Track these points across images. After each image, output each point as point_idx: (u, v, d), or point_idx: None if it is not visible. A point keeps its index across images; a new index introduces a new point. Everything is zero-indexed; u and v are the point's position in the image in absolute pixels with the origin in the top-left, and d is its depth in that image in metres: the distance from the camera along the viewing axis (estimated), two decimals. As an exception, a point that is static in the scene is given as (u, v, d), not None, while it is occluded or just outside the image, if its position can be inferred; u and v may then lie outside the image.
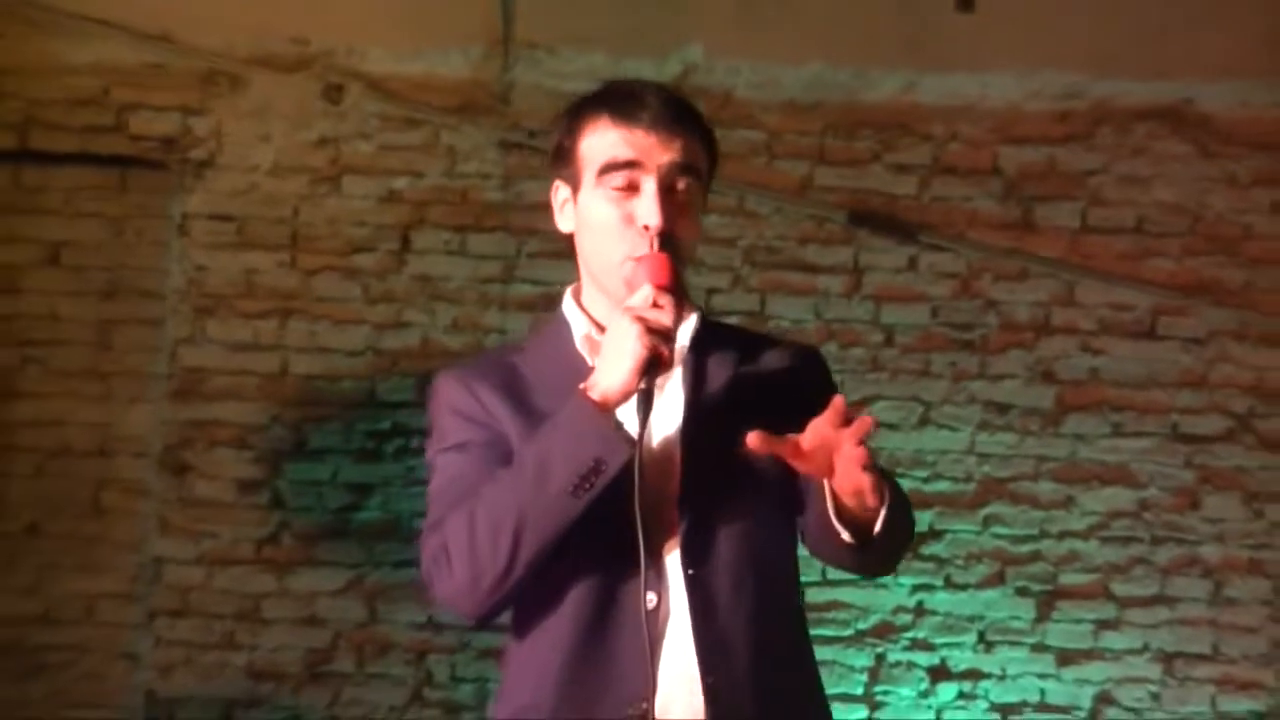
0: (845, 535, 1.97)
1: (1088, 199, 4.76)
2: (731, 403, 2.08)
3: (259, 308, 4.71)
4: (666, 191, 2.02)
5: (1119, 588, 4.68)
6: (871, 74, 4.72)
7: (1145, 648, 4.67)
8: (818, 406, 1.95)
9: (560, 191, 2.14)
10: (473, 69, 4.75)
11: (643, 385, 1.92)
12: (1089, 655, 4.67)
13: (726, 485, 2.02)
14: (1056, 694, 4.66)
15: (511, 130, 4.74)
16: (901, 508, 2.00)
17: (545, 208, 4.78)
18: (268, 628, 4.64)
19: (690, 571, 1.99)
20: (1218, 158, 4.76)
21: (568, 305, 2.17)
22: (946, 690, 4.63)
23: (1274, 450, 4.70)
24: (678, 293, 1.98)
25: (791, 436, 1.88)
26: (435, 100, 4.75)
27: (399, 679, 4.64)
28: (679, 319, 1.98)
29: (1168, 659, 4.68)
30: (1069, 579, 4.67)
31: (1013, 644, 4.66)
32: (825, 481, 1.93)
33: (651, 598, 1.96)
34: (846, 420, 1.87)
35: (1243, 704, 4.66)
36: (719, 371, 2.11)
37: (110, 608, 4.64)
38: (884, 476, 1.95)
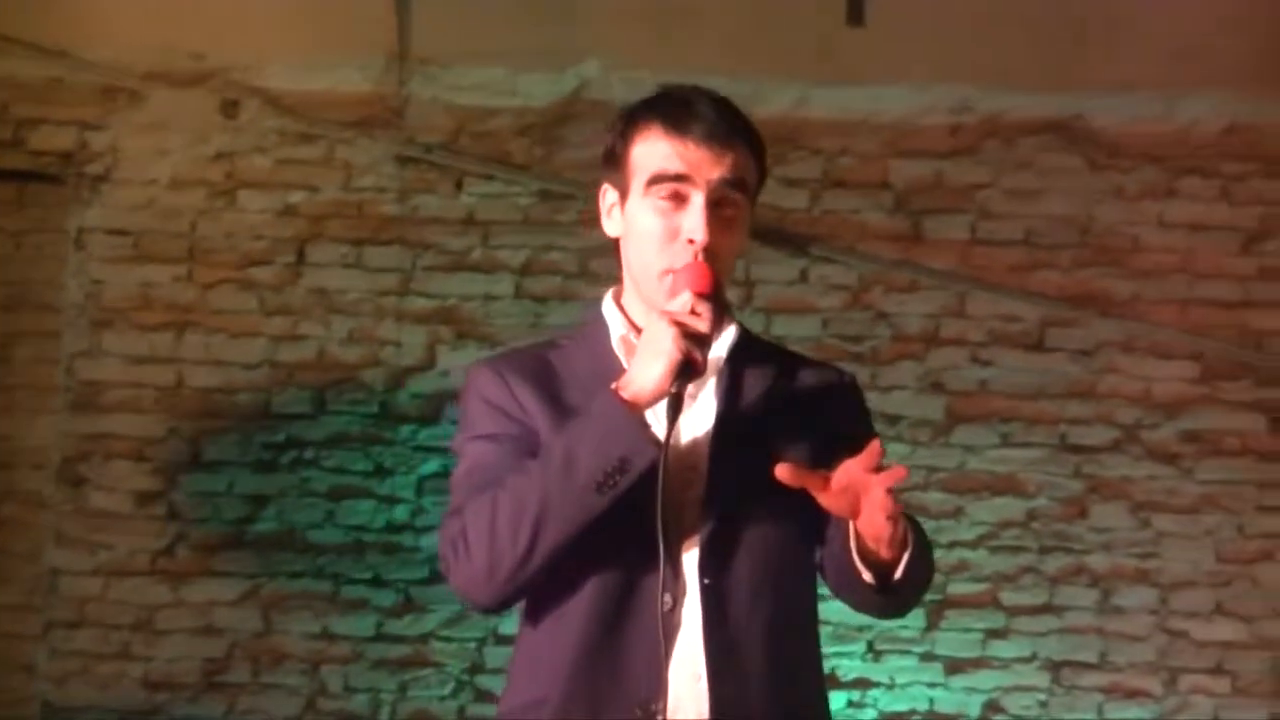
0: (866, 575, 1.99)
1: (977, 212, 4.80)
2: (763, 418, 2.10)
3: (156, 321, 4.74)
4: (713, 206, 2.03)
5: (1007, 597, 4.73)
6: (767, 87, 4.75)
7: (1033, 656, 4.72)
8: (848, 433, 2.02)
9: (608, 195, 2.14)
10: (369, 84, 4.78)
11: (673, 389, 1.94)
12: (977, 664, 4.72)
13: (750, 498, 2.03)
14: (945, 702, 4.70)
15: (407, 145, 4.78)
16: (923, 556, 2.01)
17: (439, 221, 4.85)
18: (164, 638, 4.68)
19: (706, 580, 2.01)
20: (1106, 171, 4.80)
21: (607, 306, 2.18)
22: (836, 699, 4.66)
23: (1161, 460, 4.75)
24: (717, 302, 2.01)
25: (822, 472, 1.91)
26: (332, 115, 4.78)
27: (294, 689, 4.68)
28: (717, 328, 2.01)
29: (1055, 667, 4.72)
30: (958, 588, 4.71)
31: (902, 653, 4.71)
32: (850, 522, 1.96)
33: (668, 600, 1.98)
34: (880, 466, 1.89)
35: (1130, 712, 4.71)
36: (754, 385, 2.13)
37: (9, 619, 4.68)
38: (909, 522, 1.97)
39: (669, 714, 1.97)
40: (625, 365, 2.05)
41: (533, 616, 2.07)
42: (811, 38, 4.71)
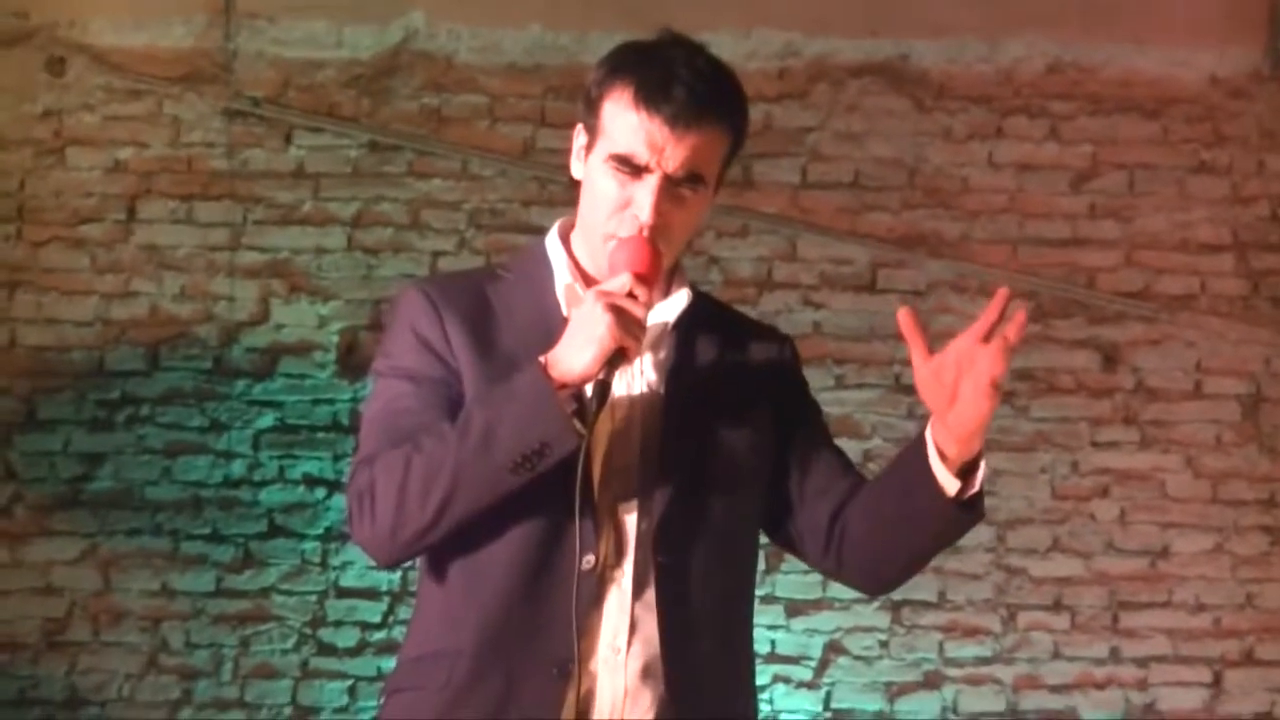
0: (950, 485, 1.96)
1: (806, 155, 4.81)
2: (711, 387, 2.08)
3: (-14, 281, 4.74)
4: (668, 186, 1.99)
5: (845, 538, 4.74)
6: (590, 37, 4.74)
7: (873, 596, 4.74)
8: (792, 406, 2.13)
9: (579, 137, 2.08)
10: (195, 39, 4.77)
11: (601, 375, 1.90)
12: (817, 605, 4.74)
13: (701, 469, 2.03)
14: (786, 644, 4.72)
15: (235, 99, 4.76)
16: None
17: (269, 175, 4.82)
18: (3, 599, 4.66)
19: (661, 557, 1.99)
20: (933, 112, 4.81)
21: (552, 243, 2.12)
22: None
23: (992, 398, 4.77)
24: (654, 282, 1.98)
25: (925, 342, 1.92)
26: (159, 71, 4.76)
27: (134, 646, 4.67)
28: (650, 308, 1.98)
29: (895, 607, 4.74)
30: (794, 531, 4.72)
31: (741, 596, 4.72)
32: (928, 429, 1.98)
33: (589, 560, 1.95)
34: (987, 337, 1.89)
35: (969, 649, 4.74)
36: (702, 353, 2.11)
37: None
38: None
39: (586, 680, 1.95)
40: (566, 314, 2.01)
41: (440, 568, 2.04)
42: (635, -15, 4.70)
